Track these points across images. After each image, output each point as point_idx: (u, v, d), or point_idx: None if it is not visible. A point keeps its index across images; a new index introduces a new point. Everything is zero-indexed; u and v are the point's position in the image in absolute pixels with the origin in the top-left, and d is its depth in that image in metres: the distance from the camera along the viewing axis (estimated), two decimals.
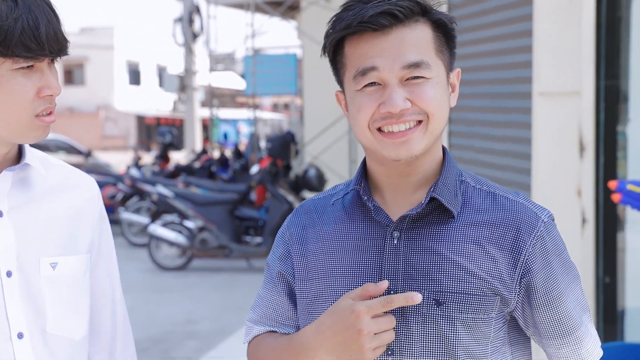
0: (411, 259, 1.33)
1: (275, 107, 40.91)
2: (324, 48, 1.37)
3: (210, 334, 6.04)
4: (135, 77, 41.56)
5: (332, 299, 1.36)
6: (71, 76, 41.12)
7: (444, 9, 1.40)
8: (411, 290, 1.31)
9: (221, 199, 8.75)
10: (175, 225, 8.59)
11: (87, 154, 15.66)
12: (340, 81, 1.39)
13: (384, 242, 1.36)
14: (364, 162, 1.43)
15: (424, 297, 1.30)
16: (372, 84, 1.30)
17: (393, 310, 1.31)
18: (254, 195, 9.01)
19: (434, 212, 1.35)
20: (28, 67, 1.25)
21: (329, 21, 1.35)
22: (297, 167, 10.10)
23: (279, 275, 1.47)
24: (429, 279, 1.32)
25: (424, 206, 1.33)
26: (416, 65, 1.29)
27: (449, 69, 1.36)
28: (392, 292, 1.32)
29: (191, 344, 5.85)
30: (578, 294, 1.40)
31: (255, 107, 13.77)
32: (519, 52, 3.61)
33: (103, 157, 22.34)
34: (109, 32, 39.73)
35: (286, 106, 35.66)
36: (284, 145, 8.91)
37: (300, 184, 9.04)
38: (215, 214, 8.53)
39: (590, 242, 3.27)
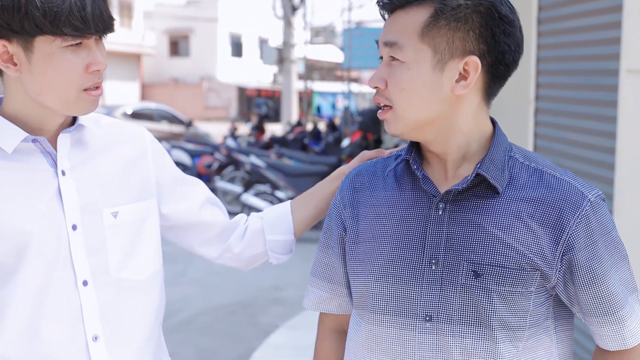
0: (453, 230, 1.38)
1: None
2: None
3: (295, 301, 6.21)
4: (237, 49, 42.32)
5: (376, 262, 1.43)
6: (176, 48, 42.35)
7: None
8: (451, 260, 1.37)
9: (312, 171, 8.90)
10: (266, 195, 8.81)
11: (188, 124, 16.13)
12: None
13: (430, 211, 1.40)
14: None
15: (463, 268, 1.35)
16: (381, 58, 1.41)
17: (432, 278, 1.37)
18: None
19: (479, 186, 1.38)
20: (76, 44, 1.36)
21: None
22: (389, 141, 10.11)
23: (332, 237, 1.56)
24: (469, 251, 1.36)
25: (470, 182, 1.37)
26: (391, 44, 1.35)
27: (455, 55, 1.33)
28: (433, 260, 1.38)
29: (276, 310, 6.04)
30: (624, 274, 1.40)
31: (354, 80, 13.83)
32: (608, 28, 3.51)
33: (204, 127, 22.97)
34: (213, 5, 40.55)
35: None
36: (375, 119, 8.95)
37: None
38: (306, 185, 8.68)
39: None
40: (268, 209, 1.82)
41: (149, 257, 1.57)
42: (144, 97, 39.07)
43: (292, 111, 18.28)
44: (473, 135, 1.40)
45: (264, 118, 13.93)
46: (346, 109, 12.91)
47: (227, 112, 39.63)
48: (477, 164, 1.37)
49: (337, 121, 15.87)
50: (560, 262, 1.35)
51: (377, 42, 1.40)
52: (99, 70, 1.40)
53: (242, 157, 9.65)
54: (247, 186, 9.16)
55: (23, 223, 1.39)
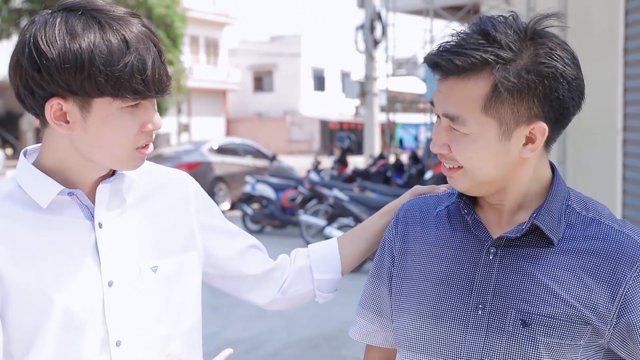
0: (503, 277, 1.35)
1: None
2: None
3: None
4: (320, 83, 42.89)
5: (421, 301, 1.42)
6: (260, 83, 43.31)
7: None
8: (499, 307, 1.34)
9: None
10: (350, 229, 8.81)
11: (272, 158, 16.36)
12: None
13: (480, 255, 1.38)
14: None
15: (510, 316, 1.32)
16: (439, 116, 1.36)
17: (478, 324, 1.34)
18: None
19: (533, 234, 1.35)
20: (134, 105, 1.33)
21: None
22: None
23: (383, 269, 1.54)
24: (519, 299, 1.32)
25: (524, 231, 1.33)
26: (452, 118, 1.30)
27: (521, 123, 1.29)
28: (480, 305, 1.35)
29: (360, 344, 6.01)
30: None
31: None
32: None
33: (288, 160, 23.27)
34: (296, 40, 41.34)
35: None
36: None
37: None
38: None
39: None
40: (314, 246, 1.76)
41: (189, 310, 1.52)
42: (228, 131, 40.02)
43: (374, 144, 18.33)
44: (532, 185, 1.37)
45: (347, 151, 14.04)
46: (428, 140, 12.87)
47: (310, 146, 40.10)
48: (533, 213, 1.34)
49: (420, 153, 15.82)
50: (617, 318, 1.29)
51: (431, 102, 1.36)
52: (152, 130, 1.37)
53: (325, 191, 9.72)
54: (331, 219, 9.20)
55: (54, 283, 1.33)
